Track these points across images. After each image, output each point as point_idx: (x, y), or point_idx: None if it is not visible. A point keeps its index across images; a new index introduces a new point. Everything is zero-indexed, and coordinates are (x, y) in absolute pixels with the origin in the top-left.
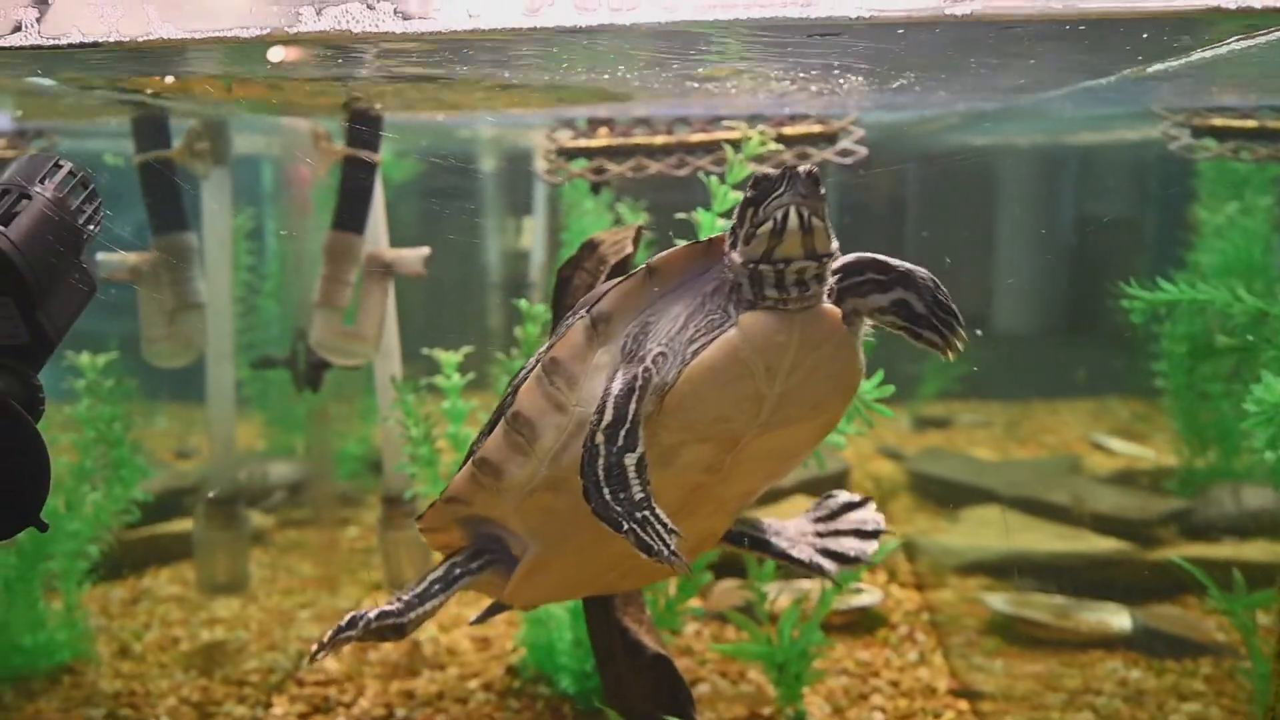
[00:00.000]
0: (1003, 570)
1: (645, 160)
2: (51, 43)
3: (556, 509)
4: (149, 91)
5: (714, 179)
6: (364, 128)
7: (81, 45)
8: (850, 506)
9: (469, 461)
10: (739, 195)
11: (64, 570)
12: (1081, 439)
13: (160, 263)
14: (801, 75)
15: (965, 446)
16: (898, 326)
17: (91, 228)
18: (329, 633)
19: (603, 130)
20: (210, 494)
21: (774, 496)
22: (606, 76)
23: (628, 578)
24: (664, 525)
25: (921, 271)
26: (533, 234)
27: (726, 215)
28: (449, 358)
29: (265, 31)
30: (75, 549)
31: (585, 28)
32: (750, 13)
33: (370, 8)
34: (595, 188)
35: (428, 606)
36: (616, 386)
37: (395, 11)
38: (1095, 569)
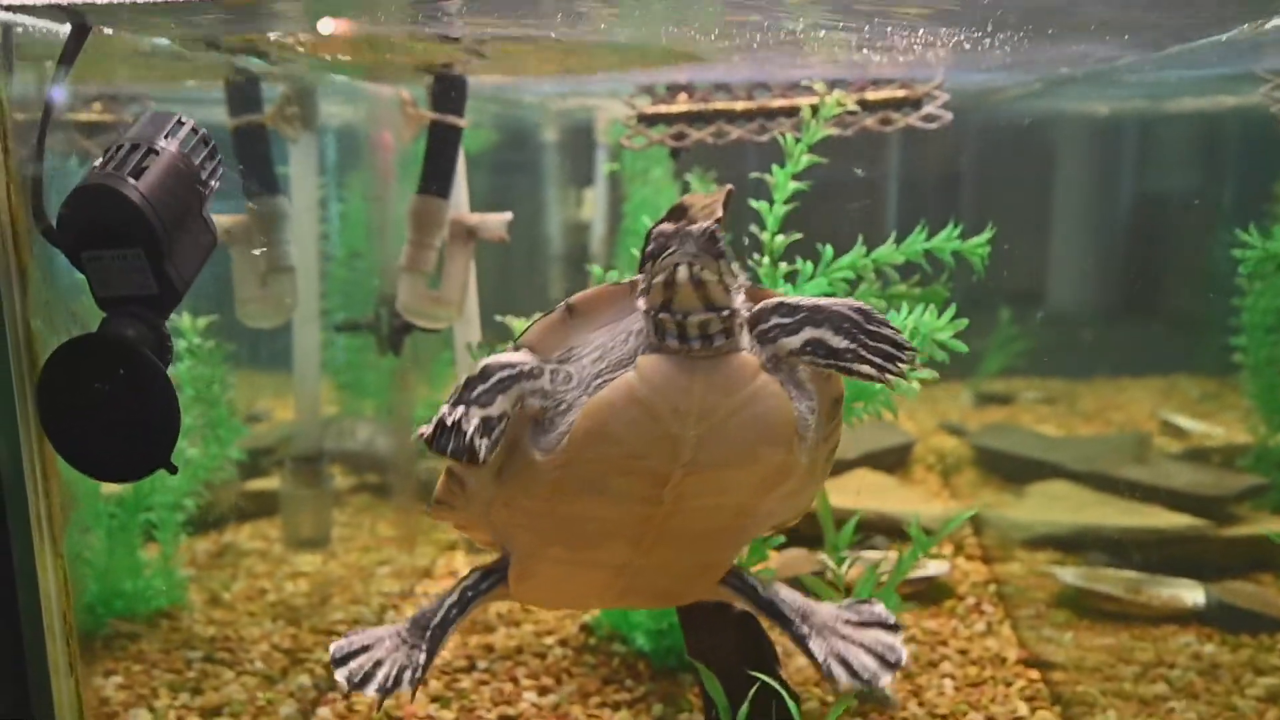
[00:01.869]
0: (1073, 544)
1: (726, 126)
2: None
3: (516, 524)
4: (263, 52)
5: (790, 138)
6: (449, 92)
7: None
8: (883, 625)
9: (444, 471)
10: (814, 158)
11: (162, 521)
12: (1149, 416)
13: (253, 226)
14: (882, 38)
15: (1029, 423)
16: (823, 365)
17: (213, 183)
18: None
19: (682, 96)
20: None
21: (838, 469)
22: (687, 31)
23: (627, 597)
24: (473, 433)
25: (836, 305)
26: (594, 205)
27: (800, 176)
28: (520, 324)
29: None
30: (173, 502)
31: None
32: None
33: None
34: (675, 153)
35: (449, 635)
36: (500, 356)
37: None
38: (1168, 545)
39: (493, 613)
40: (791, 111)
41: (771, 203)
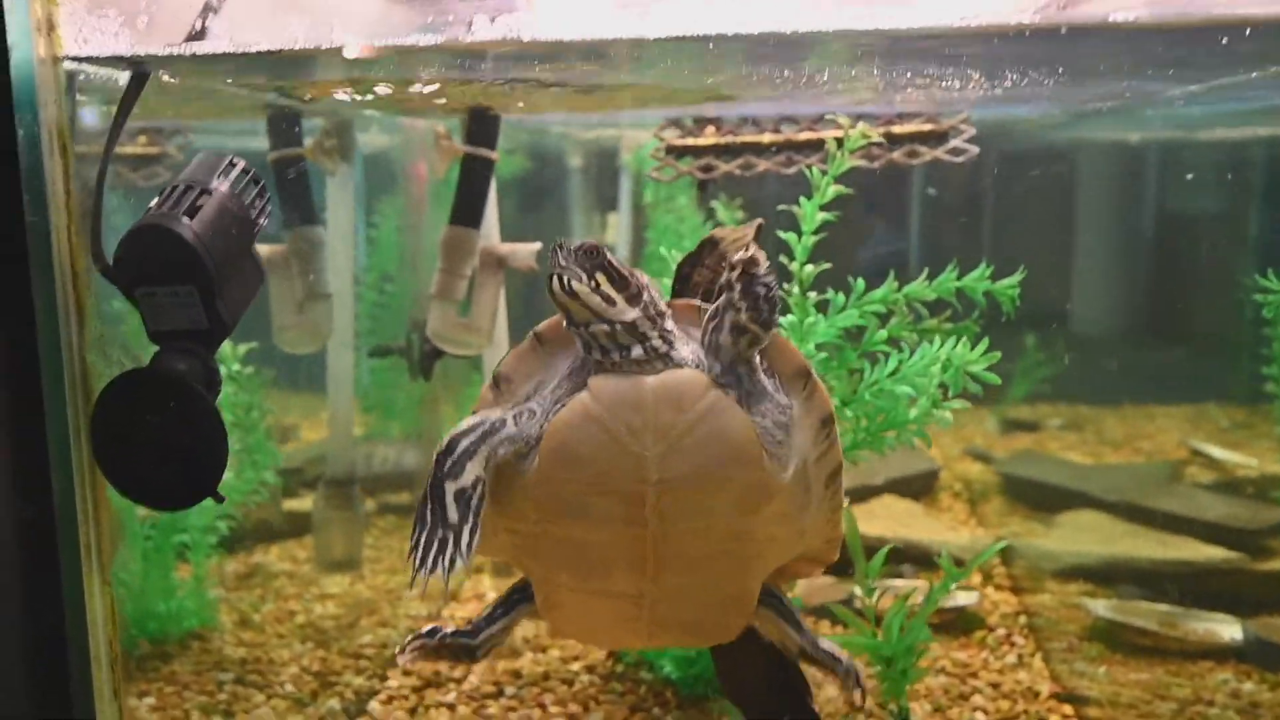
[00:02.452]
0: (1104, 576)
1: (753, 159)
2: (241, 50)
3: (522, 550)
4: (307, 97)
5: (815, 170)
6: (483, 126)
7: (264, 54)
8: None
9: None
10: (840, 189)
11: (195, 543)
12: (1179, 445)
13: (292, 254)
14: (908, 76)
15: (1056, 450)
16: (746, 339)
17: (262, 221)
18: (410, 637)
19: (709, 129)
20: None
21: (864, 495)
22: (710, 81)
23: (658, 633)
24: (456, 551)
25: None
26: (617, 230)
27: (827, 207)
28: None
29: (440, 40)
30: (206, 524)
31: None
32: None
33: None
34: (703, 185)
35: (494, 629)
36: (463, 424)
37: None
38: (1202, 578)
39: (519, 637)
40: (818, 145)
41: (800, 233)
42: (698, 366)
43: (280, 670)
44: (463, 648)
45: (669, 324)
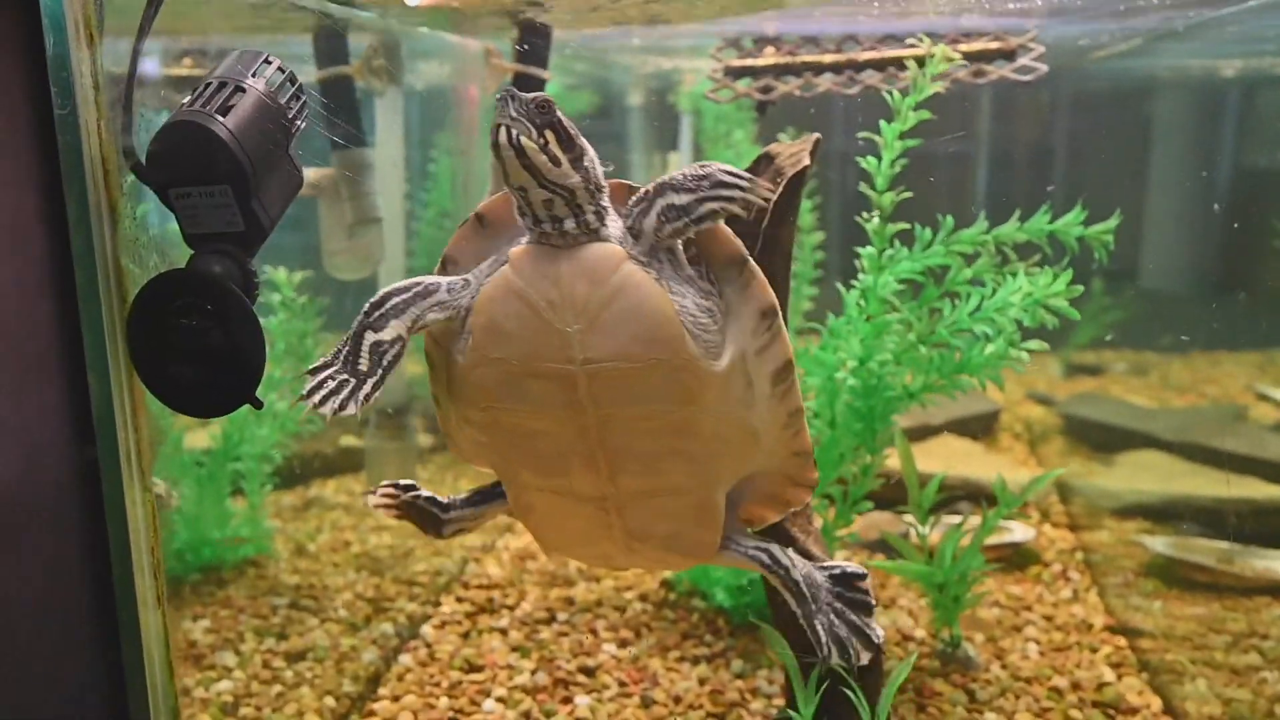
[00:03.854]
0: (1163, 514)
1: (813, 78)
2: None
3: (481, 444)
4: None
5: (896, 94)
6: (534, 43)
7: None
8: (862, 606)
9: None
10: (923, 113)
11: (249, 473)
12: (1244, 390)
13: (340, 178)
14: None
15: (1119, 395)
16: (681, 228)
17: (299, 123)
18: (384, 483)
19: (769, 49)
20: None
21: (922, 435)
22: None
23: (634, 547)
24: (352, 398)
25: (674, 173)
26: (676, 168)
27: (908, 134)
28: None
29: None
30: (260, 453)
31: None
32: None
33: None
34: (761, 107)
35: (464, 512)
36: (400, 282)
37: None
38: (1264, 516)
39: (573, 568)
40: (881, 64)
41: (880, 159)
42: (622, 243)
43: (334, 596)
44: (430, 516)
45: (605, 200)
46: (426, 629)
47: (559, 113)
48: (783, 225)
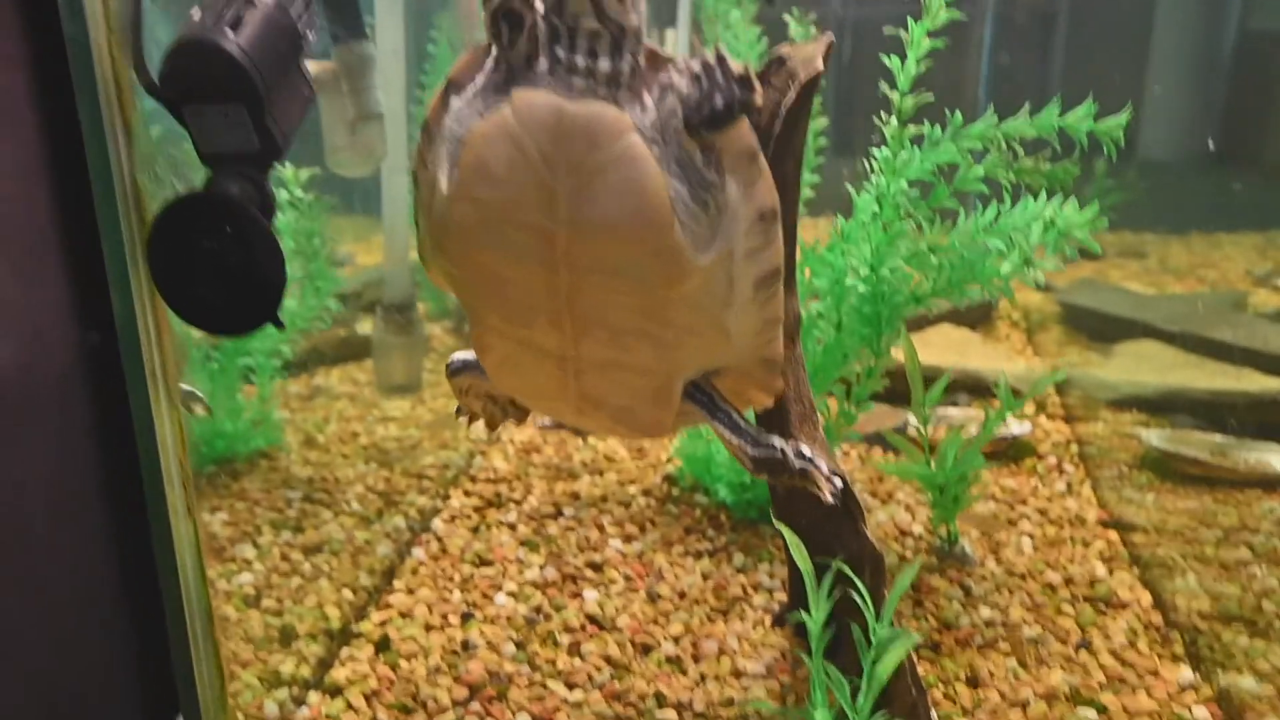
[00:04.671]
0: (1159, 406)
1: None
2: None
3: (454, 278)
4: None
5: None
6: None
7: None
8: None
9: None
10: (953, 12)
11: (259, 366)
12: (1244, 275)
13: (341, 72)
14: None
15: (1118, 279)
16: (697, 124)
17: (310, 34)
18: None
19: None
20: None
21: (920, 325)
22: None
23: (586, 407)
24: None
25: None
26: (675, 46)
27: (937, 33)
28: None
29: None
30: (270, 348)
31: None
32: None
33: None
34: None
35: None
36: None
37: None
38: (1260, 409)
39: (577, 461)
40: None
41: (904, 59)
42: (630, 110)
43: (346, 489)
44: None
45: (641, 54)
46: (437, 523)
47: None
48: (795, 130)
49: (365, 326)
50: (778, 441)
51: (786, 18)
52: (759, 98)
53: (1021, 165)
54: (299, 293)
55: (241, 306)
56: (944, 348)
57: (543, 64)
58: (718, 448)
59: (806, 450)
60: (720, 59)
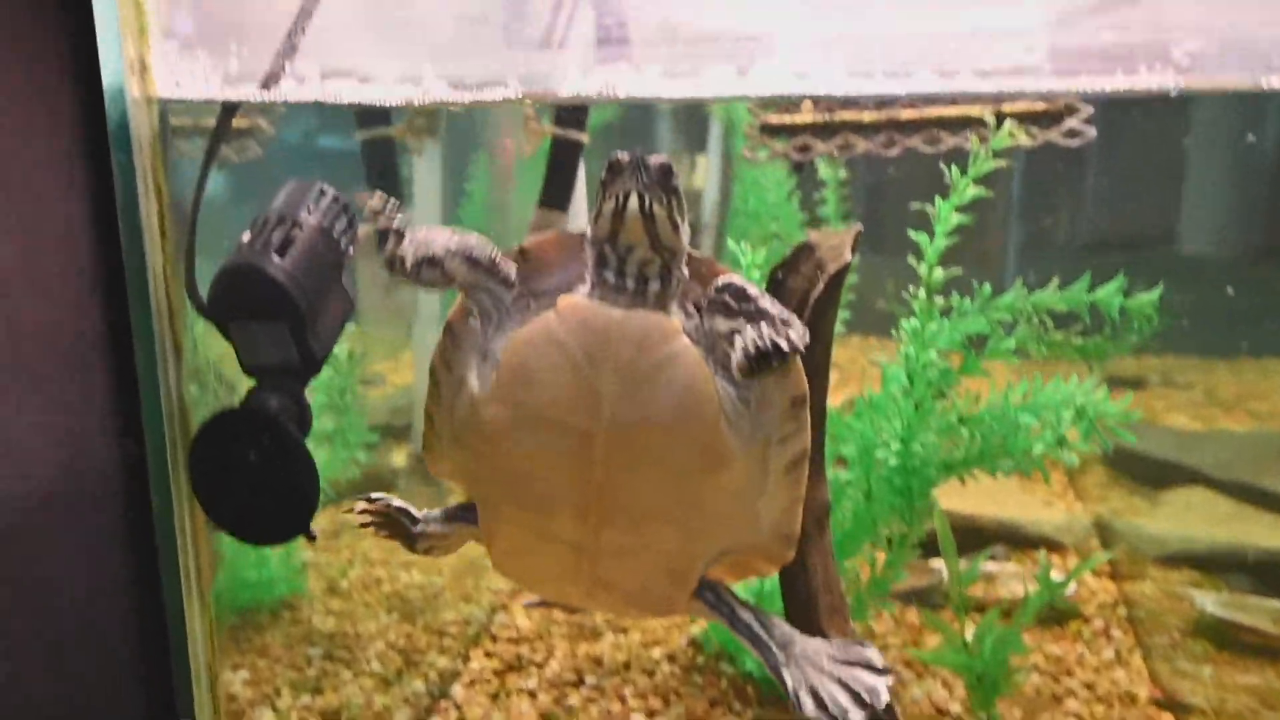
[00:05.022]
0: (1212, 563)
1: (852, 138)
2: (331, 100)
3: (472, 470)
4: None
5: (955, 168)
6: (572, 108)
7: (351, 104)
8: (869, 667)
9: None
10: (981, 190)
11: None
12: None
13: (377, 237)
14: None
15: (1162, 413)
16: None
17: (351, 250)
18: (365, 500)
19: (806, 105)
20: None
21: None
22: None
23: (597, 592)
24: (401, 246)
25: (775, 311)
26: (706, 173)
27: (965, 209)
28: None
29: (526, 91)
30: None
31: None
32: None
33: (639, 70)
34: (798, 166)
35: (432, 528)
36: (495, 251)
37: (664, 73)
38: None
39: (599, 619)
40: (922, 124)
41: (932, 235)
42: (678, 315)
43: (368, 645)
44: (402, 528)
45: (685, 266)
46: (457, 688)
47: (676, 174)
48: (823, 319)
49: (396, 457)
50: (810, 686)
51: (816, 161)
52: (804, 339)
53: (1053, 339)
54: (328, 444)
55: (274, 518)
56: (976, 492)
57: (585, 288)
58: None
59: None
60: (763, 310)
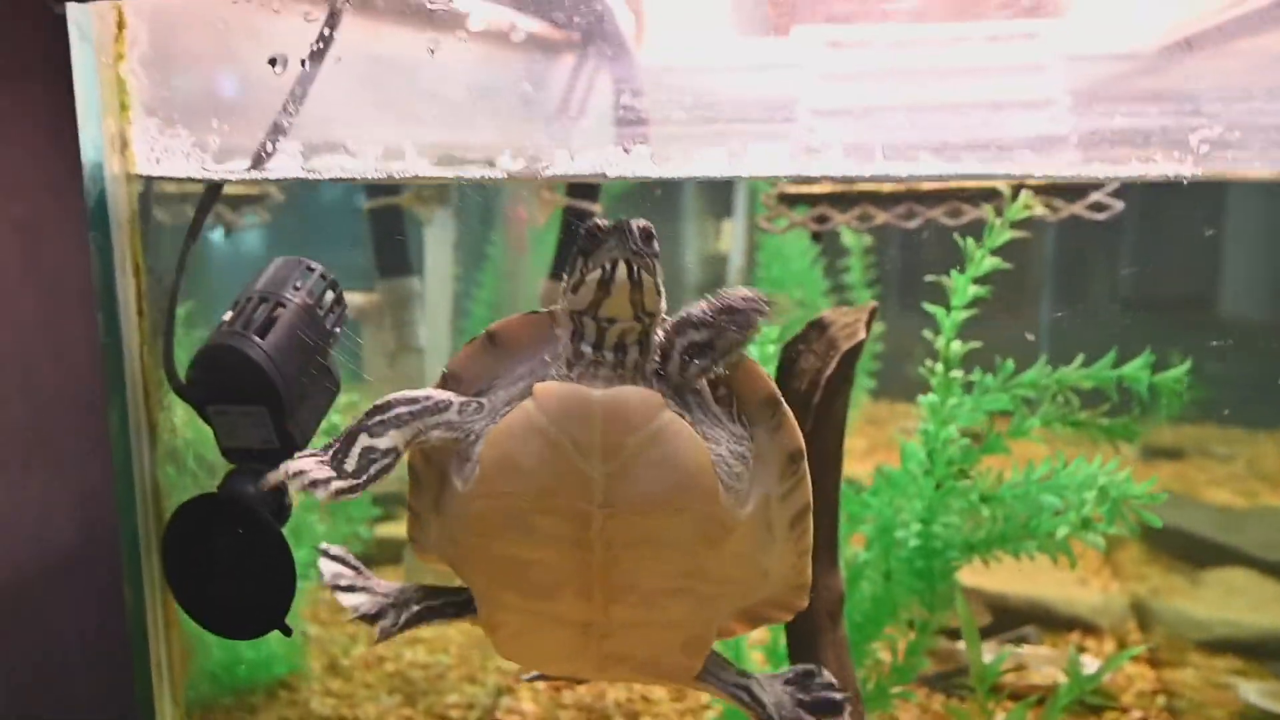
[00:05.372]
0: (1258, 651)
1: (871, 209)
2: (314, 176)
3: (465, 563)
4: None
5: (969, 240)
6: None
7: (337, 180)
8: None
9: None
10: (998, 261)
11: None
12: None
13: (385, 305)
14: None
15: (1203, 486)
16: (706, 366)
17: (337, 330)
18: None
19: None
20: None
21: None
22: None
23: (608, 666)
24: (325, 486)
25: (691, 310)
26: (731, 237)
27: (981, 280)
28: None
29: (514, 172)
30: (299, 573)
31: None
32: None
33: (626, 152)
34: (816, 236)
35: (402, 618)
36: (410, 392)
37: (652, 156)
38: None
39: (610, 701)
40: (944, 195)
41: (949, 309)
42: (656, 386)
43: None
44: (365, 614)
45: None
46: None
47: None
48: (836, 398)
49: (404, 530)
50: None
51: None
52: (767, 309)
53: (1078, 419)
54: (329, 516)
55: (248, 611)
56: (1009, 569)
57: (560, 368)
58: None
59: None
60: (720, 296)
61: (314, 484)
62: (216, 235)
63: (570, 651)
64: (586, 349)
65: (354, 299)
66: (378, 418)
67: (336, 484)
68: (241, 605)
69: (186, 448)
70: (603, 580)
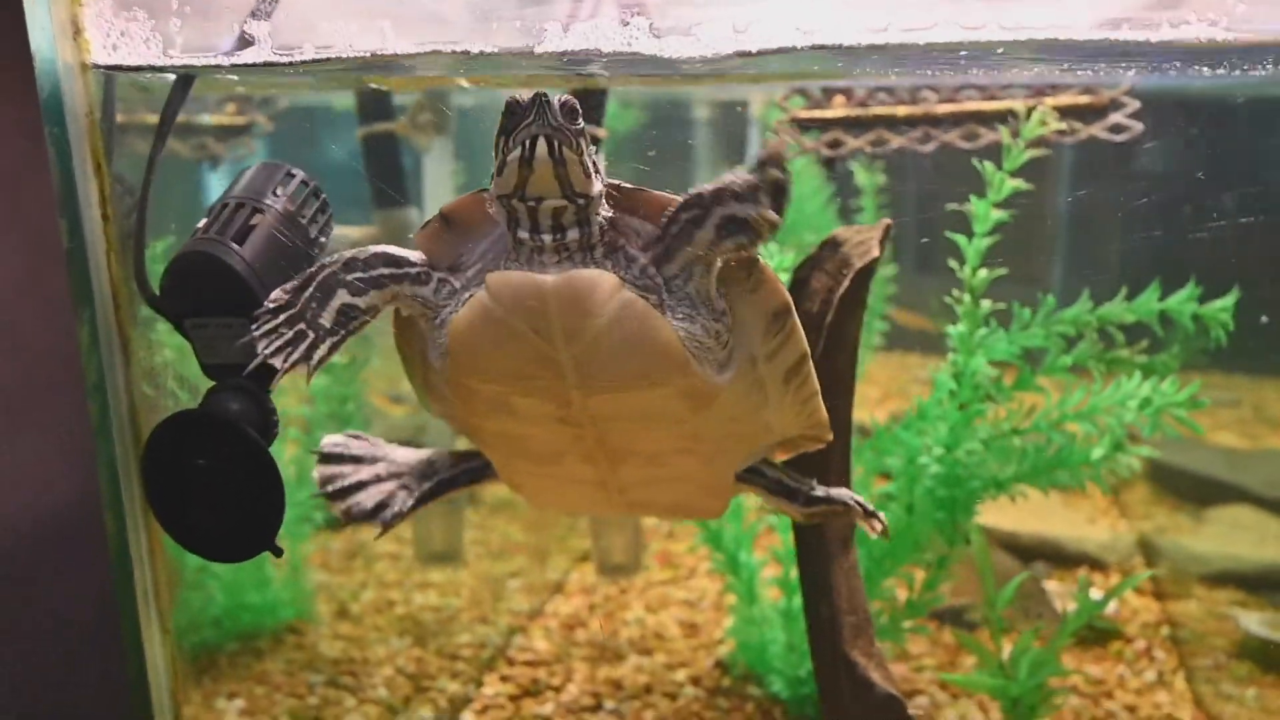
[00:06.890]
0: (1259, 584)
1: (886, 133)
2: (286, 58)
3: (470, 433)
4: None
5: (989, 165)
6: (590, 102)
7: (315, 61)
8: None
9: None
10: (1018, 183)
11: (290, 533)
12: None
13: (382, 238)
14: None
15: (1209, 430)
16: (739, 241)
17: (323, 239)
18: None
19: (839, 99)
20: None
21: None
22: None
23: (635, 508)
24: (306, 357)
25: (727, 180)
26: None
27: (1003, 205)
28: None
29: (503, 50)
30: (302, 514)
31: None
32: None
33: (624, 23)
34: (829, 163)
35: (415, 496)
36: (394, 251)
37: (651, 28)
38: None
39: (624, 639)
40: (959, 118)
41: (971, 235)
42: (614, 265)
43: (374, 671)
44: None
45: (607, 211)
46: (467, 715)
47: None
48: (849, 319)
49: None
50: (821, 491)
51: (853, 166)
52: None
53: (1116, 355)
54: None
55: (237, 533)
56: (1020, 508)
57: (524, 238)
58: (773, 635)
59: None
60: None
61: (295, 361)
62: (204, 169)
63: (595, 502)
64: (524, 234)
65: (350, 232)
66: (358, 274)
67: (320, 350)
68: (230, 528)
69: (165, 367)
70: (601, 449)
